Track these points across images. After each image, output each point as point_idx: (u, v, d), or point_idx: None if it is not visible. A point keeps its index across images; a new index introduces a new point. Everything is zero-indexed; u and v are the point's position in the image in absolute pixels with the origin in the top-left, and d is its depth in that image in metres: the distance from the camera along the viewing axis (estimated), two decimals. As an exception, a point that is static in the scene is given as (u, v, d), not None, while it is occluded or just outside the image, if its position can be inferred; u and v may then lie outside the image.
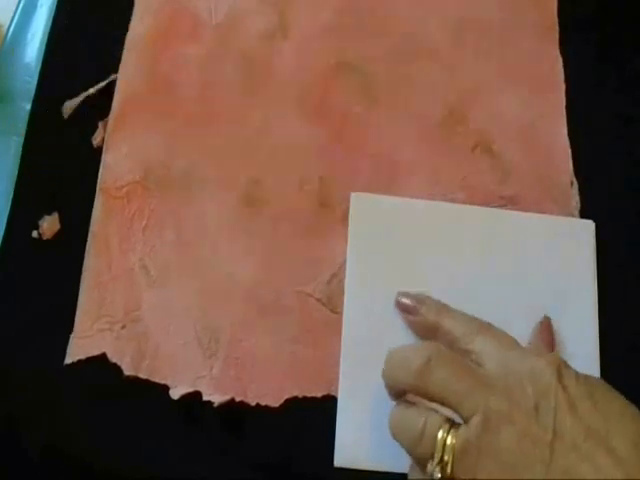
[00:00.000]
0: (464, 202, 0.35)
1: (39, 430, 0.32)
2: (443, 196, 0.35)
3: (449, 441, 0.26)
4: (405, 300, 0.33)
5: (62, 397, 0.32)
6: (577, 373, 0.27)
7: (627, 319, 0.34)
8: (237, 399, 0.32)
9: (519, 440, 0.26)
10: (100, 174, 0.35)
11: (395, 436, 0.29)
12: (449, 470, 0.26)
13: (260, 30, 0.37)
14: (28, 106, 0.36)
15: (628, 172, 0.37)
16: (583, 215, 0.35)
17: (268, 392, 0.32)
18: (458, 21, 0.38)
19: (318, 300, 0.33)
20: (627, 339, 0.32)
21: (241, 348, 0.33)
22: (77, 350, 0.32)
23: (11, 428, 0.32)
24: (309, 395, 0.32)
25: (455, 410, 0.27)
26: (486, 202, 0.35)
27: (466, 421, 0.27)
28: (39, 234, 0.34)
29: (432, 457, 0.27)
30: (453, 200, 0.35)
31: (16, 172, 0.35)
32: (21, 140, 0.36)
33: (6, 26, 0.38)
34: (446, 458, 0.26)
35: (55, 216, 0.35)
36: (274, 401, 0.32)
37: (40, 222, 0.34)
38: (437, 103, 0.37)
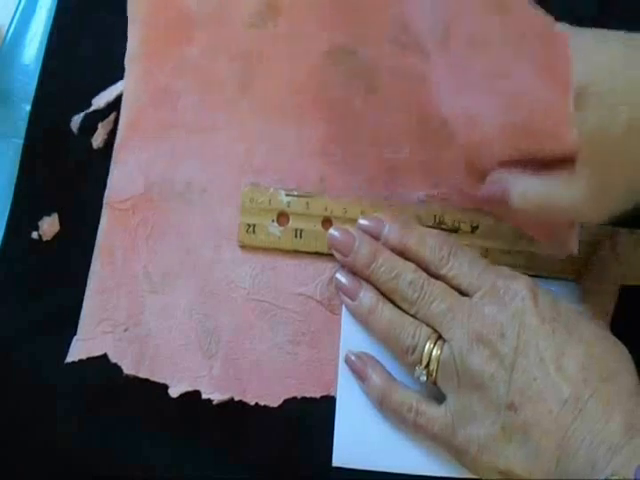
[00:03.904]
0: (461, 205, 0.35)
1: (39, 430, 0.32)
2: (442, 201, 0.35)
3: (435, 352, 0.30)
4: (364, 222, 0.33)
5: (62, 397, 0.32)
6: (547, 295, 0.30)
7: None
8: (236, 399, 0.32)
9: (488, 361, 0.28)
10: (107, 189, 0.35)
11: (385, 342, 0.32)
12: (434, 376, 0.30)
13: (250, 19, 0.36)
14: (28, 107, 0.36)
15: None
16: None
17: (267, 392, 0.32)
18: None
19: (318, 302, 0.33)
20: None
21: (241, 349, 0.33)
22: (79, 351, 0.33)
23: (11, 428, 0.32)
24: (308, 396, 0.32)
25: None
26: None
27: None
28: (39, 235, 0.34)
29: (420, 363, 0.30)
30: (452, 203, 0.35)
31: (16, 173, 0.35)
32: (21, 141, 0.36)
33: (5, 27, 0.38)
34: (431, 367, 0.30)
35: (55, 217, 0.35)
36: (273, 401, 0.32)
37: (40, 223, 0.34)
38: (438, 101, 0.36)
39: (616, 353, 0.29)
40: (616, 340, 0.29)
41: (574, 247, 0.31)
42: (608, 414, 0.26)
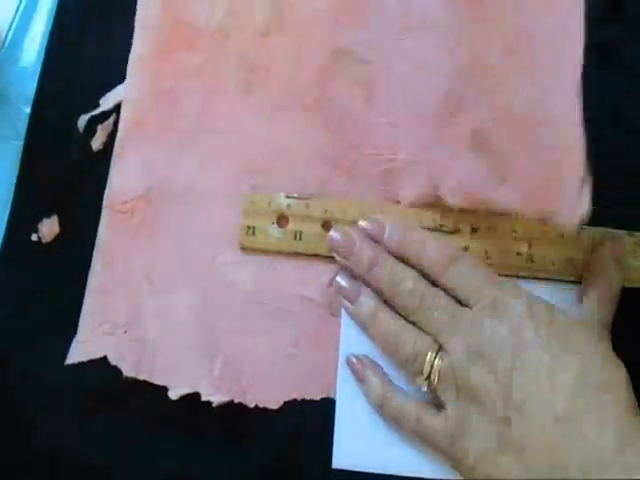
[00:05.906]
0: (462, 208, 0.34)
1: (39, 430, 0.32)
2: (442, 203, 0.34)
3: (436, 363, 0.30)
4: (364, 224, 0.33)
5: (62, 398, 0.32)
6: (545, 310, 0.30)
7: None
8: (236, 401, 0.32)
9: (486, 376, 0.29)
10: (107, 191, 0.35)
11: (384, 348, 0.32)
12: (434, 386, 0.30)
13: (256, 28, 0.37)
14: (27, 109, 0.36)
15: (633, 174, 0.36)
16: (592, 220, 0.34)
17: (267, 394, 0.32)
18: None
19: (318, 304, 0.33)
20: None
21: (241, 350, 0.33)
22: (79, 353, 0.33)
23: (11, 428, 0.32)
24: (308, 398, 0.32)
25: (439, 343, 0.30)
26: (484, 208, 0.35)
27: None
28: (39, 237, 0.34)
29: (421, 373, 0.30)
30: (452, 206, 0.34)
31: (15, 175, 0.35)
32: (20, 143, 0.36)
33: (6, 29, 0.38)
34: (432, 377, 0.30)
35: (55, 219, 0.35)
36: (273, 403, 0.32)
37: (40, 225, 0.34)
38: (435, 89, 0.34)
39: (612, 368, 0.29)
40: (612, 355, 0.29)
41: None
42: (600, 430, 0.27)
